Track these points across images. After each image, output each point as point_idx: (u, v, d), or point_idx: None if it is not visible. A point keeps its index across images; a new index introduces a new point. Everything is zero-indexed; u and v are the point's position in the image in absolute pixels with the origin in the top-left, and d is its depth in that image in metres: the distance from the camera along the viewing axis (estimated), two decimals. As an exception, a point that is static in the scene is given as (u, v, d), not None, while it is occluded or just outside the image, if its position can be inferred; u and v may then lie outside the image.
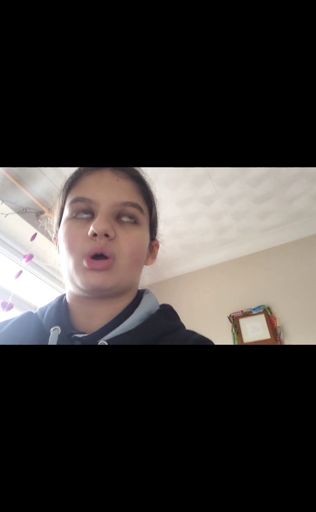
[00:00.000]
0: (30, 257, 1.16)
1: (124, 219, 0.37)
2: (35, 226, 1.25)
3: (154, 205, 0.44)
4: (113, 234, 0.35)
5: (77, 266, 0.35)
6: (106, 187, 0.37)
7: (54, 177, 1.32)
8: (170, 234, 1.78)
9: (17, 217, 1.22)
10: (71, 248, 0.35)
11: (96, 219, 0.34)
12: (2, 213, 1.18)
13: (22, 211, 1.23)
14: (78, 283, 0.35)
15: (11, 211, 1.20)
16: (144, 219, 0.39)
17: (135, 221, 0.38)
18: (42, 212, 1.26)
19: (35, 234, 1.20)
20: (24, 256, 1.18)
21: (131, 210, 0.37)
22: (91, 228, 0.34)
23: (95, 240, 0.34)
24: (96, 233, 0.33)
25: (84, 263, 0.34)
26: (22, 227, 1.27)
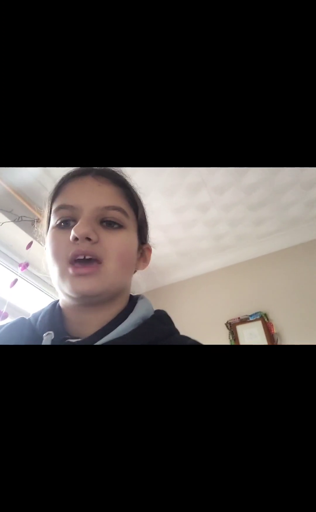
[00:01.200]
0: (25, 265, 1.16)
1: (108, 223, 0.37)
2: (31, 234, 1.25)
3: (142, 208, 0.44)
4: (95, 237, 0.34)
5: (62, 273, 0.34)
6: (88, 192, 0.37)
7: (50, 185, 1.33)
8: (166, 241, 1.78)
9: (13, 225, 1.22)
10: (55, 255, 0.35)
11: (77, 223, 0.34)
12: (-3, 222, 1.17)
13: (18, 220, 1.22)
14: (66, 290, 0.34)
15: (7, 219, 1.20)
16: (130, 223, 0.39)
17: (120, 225, 0.37)
18: (38, 221, 1.26)
19: (31, 242, 1.20)
20: (20, 265, 1.17)
21: (115, 214, 0.37)
22: (72, 232, 0.33)
23: (78, 244, 0.34)
24: (77, 236, 0.33)
25: (70, 270, 0.34)
26: (18, 236, 1.27)
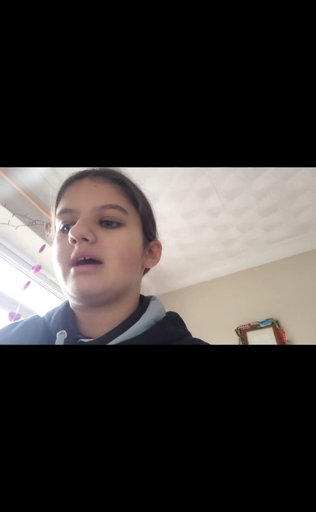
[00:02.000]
0: (38, 268, 1.18)
1: (107, 222, 0.37)
2: (44, 238, 1.28)
3: (144, 204, 0.43)
4: (92, 237, 0.34)
5: (65, 274, 0.35)
6: (85, 194, 0.37)
7: (64, 191, 1.36)
8: (176, 246, 1.79)
9: (27, 229, 1.26)
10: (58, 258, 0.36)
11: (74, 225, 0.34)
12: (12, 225, 1.21)
13: (32, 223, 1.26)
14: (69, 291, 0.35)
15: (21, 223, 1.23)
16: (130, 220, 0.39)
17: (119, 223, 0.37)
18: (49, 224, 1.29)
19: (44, 246, 1.23)
20: (33, 267, 1.20)
21: (112, 213, 0.37)
22: (69, 234, 0.34)
23: (77, 246, 0.34)
24: (74, 238, 0.33)
25: (71, 270, 0.34)
26: (32, 239, 1.30)
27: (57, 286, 1.44)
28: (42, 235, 1.29)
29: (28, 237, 1.29)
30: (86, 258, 0.34)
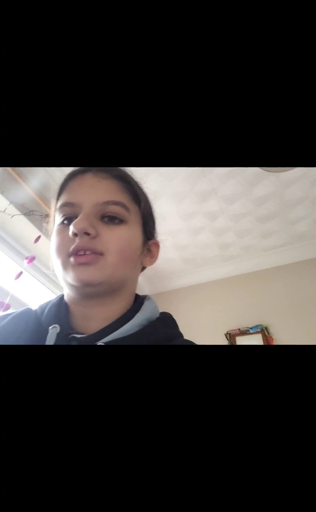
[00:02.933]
0: (32, 258, 1.17)
1: (109, 218, 0.37)
2: (40, 229, 1.27)
3: (146, 202, 0.43)
4: (93, 232, 0.34)
5: (65, 264, 0.35)
6: (88, 188, 0.38)
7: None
8: (172, 246, 1.79)
9: (23, 218, 1.24)
10: (57, 249, 0.36)
11: (76, 219, 0.35)
12: (8, 214, 1.20)
13: (29, 213, 1.25)
14: (70, 279, 0.35)
15: (18, 212, 1.22)
16: (132, 217, 0.39)
17: (121, 220, 0.37)
18: (48, 215, 1.28)
19: (39, 237, 1.22)
20: (26, 258, 1.18)
21: (115, 209, 0.37)
22: (70, 227, 0.34)
23: (78, 240, 0.34)
24: (76, 232, 0.34)
25: (72, 259, 0.34)
26: (27, 229, 1.28)
27: (49, 279, 1.43)
28: (39, 226, 1.27)
29: (24, 227, 1.28)
30: (87, 252, 0.34)
